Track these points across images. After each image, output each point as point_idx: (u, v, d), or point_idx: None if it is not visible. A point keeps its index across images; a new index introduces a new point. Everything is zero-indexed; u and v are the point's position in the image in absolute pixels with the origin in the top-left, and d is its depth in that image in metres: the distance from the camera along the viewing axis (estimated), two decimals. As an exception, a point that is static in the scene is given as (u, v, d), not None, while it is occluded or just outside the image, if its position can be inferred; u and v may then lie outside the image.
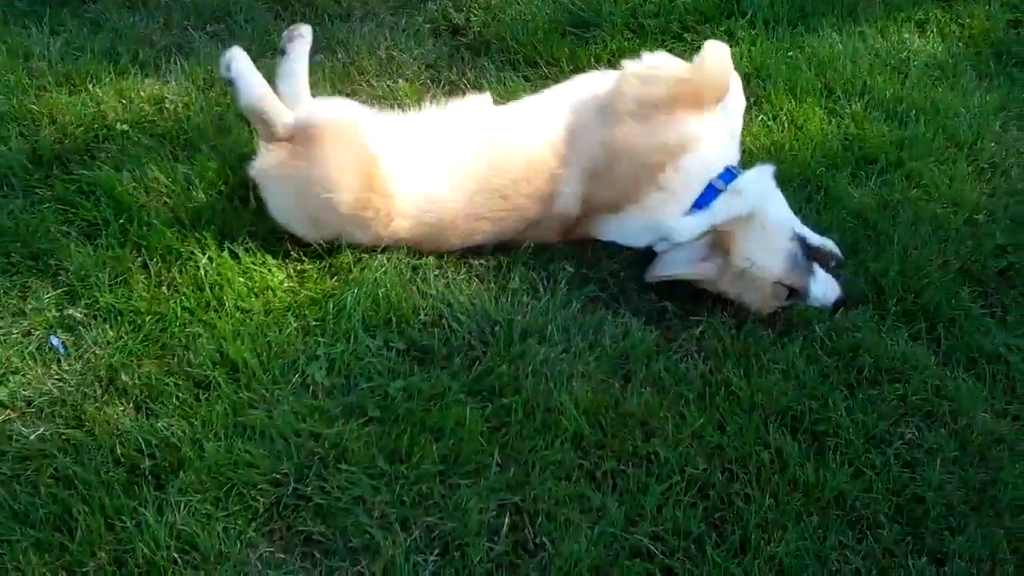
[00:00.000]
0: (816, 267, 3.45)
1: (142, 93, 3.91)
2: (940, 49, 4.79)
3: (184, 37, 4.25)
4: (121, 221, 3.43)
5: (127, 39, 4.15)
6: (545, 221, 3.51)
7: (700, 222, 3.45)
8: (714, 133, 3.53)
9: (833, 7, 4.88)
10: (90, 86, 3.91)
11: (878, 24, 4.86)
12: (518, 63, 4.35)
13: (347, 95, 3.99)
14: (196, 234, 3.42)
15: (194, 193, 3.54)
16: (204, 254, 3.35)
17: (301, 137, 3.33)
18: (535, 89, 4.04)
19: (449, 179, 3.44)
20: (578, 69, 4.23)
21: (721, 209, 3.44)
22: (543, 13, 4.54)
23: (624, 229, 3.56)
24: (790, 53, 4.52)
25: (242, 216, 3.51)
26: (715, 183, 3.47)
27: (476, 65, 4.32)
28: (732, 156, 3.64)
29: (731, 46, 4.01)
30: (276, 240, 3.46)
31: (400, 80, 4.16)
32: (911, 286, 3.61)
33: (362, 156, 3.35)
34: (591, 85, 3.64)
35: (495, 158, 3.47)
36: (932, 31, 4.91)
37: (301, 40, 3.61)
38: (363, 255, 3.44)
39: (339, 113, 3.45)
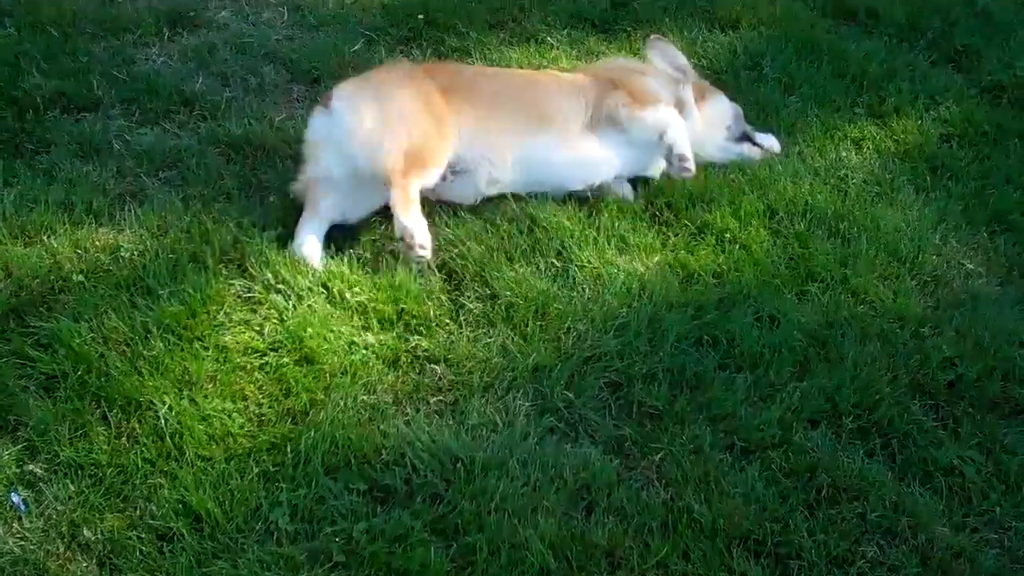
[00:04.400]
0: None
1: (97, 242, 3.94)
2: (877, 165, 4.94)
3: (137, 184, 4.30)
4: (80, 372, 3.43)
5: (81, 189, 4.19)
6: None
7: None
8: None
9: (771, 128, 5.02)
10: (45, 238, 3.94)
11: (816, 143, 5.01)
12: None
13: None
14: (155, 382, 3.43)
15: (152, 341, 3.56)
16: (164, 403, 3.36)
17: None
18: (486, 219, 4.18)
19: None
20: (521, 196, 4.38)
21: None
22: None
23: None
24: (732, 176, 4.64)
25: (201, 360, 3.53)
26: None
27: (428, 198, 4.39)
28: None
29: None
30: (235, 382, 3.49)
31: (352, 217, 4.24)
32: (864, 402, 3.67)
33: None
34: None
35: None
36: (868, 148, 5.06)
37: None
38: (320, 396, 3.47)
39: None
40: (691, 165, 4.40)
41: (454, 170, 4.26)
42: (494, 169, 4.34)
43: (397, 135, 4.04)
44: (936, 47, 5.95)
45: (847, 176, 4.80)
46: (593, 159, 4.50)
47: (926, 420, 3.67)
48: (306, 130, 4.27)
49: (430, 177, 4.11)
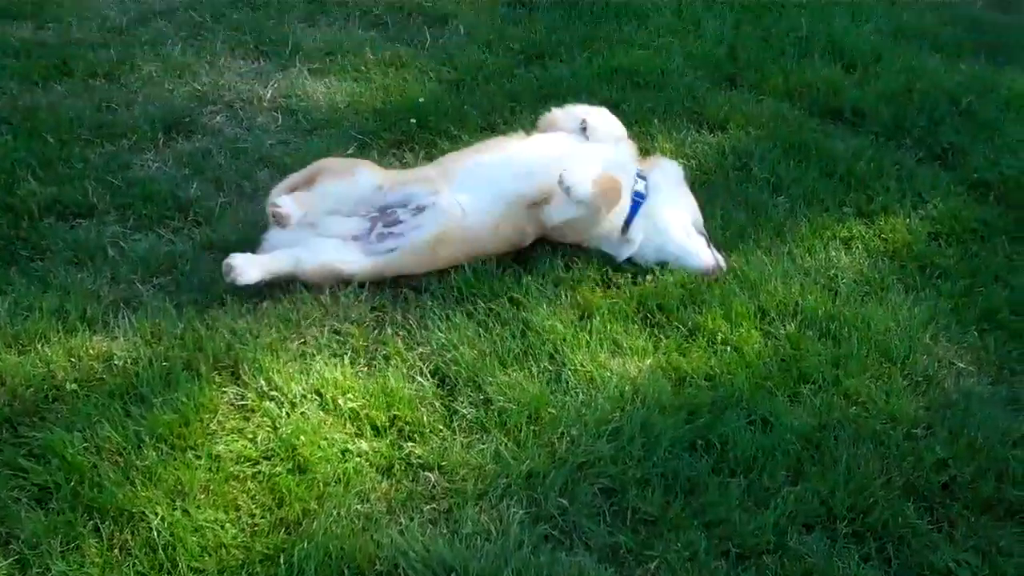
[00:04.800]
0: None
1: (91, 351, 3.95)
2: (867, 265, 4.97)
3: (131, 291, 4.32)
4: (72, 484, 3.42)
5: (75, 296, 4.20)
6: None
7: None
8: None
9: (760, 228, 5.08)
10: (39, 346, 3.95)
11: (805, 243, 5.04)
12: (462, 298, 4.46)
13: (293, 340, 4.08)
14: (148, 493, 3.42)
15: (145, 450, 3.56)
16: (156, 514, 3.35)
17: None
18: (479, 323, 4.21)
19: None
20: (514, 300, 4.41)
21: None
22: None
23: None
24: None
25: (194, 470, 3.52)
26: None
27: (420, 303, 4.42)
28: None
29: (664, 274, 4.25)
30: (228, 492, 3.48)
31: (347, 323, 4.24)
32: (858, 506, 3.65)
33: None
34: None
35: None
36: (858, 247, 5.10)
37: None
38: (313, 505, 3.45)
39: None
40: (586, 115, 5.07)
41: (418, 208, 4.62)
42: (443, 198, 4.61)
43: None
44: (922, 145, 6.03)
45: (837, 276, 4.84)
46: (533, 153, 4.90)
47: (921, 523, 3.64)
48: None
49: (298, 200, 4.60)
